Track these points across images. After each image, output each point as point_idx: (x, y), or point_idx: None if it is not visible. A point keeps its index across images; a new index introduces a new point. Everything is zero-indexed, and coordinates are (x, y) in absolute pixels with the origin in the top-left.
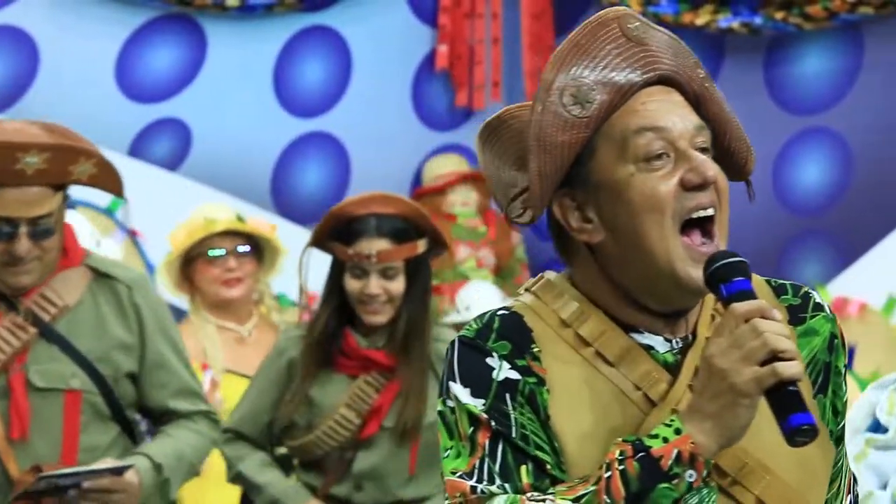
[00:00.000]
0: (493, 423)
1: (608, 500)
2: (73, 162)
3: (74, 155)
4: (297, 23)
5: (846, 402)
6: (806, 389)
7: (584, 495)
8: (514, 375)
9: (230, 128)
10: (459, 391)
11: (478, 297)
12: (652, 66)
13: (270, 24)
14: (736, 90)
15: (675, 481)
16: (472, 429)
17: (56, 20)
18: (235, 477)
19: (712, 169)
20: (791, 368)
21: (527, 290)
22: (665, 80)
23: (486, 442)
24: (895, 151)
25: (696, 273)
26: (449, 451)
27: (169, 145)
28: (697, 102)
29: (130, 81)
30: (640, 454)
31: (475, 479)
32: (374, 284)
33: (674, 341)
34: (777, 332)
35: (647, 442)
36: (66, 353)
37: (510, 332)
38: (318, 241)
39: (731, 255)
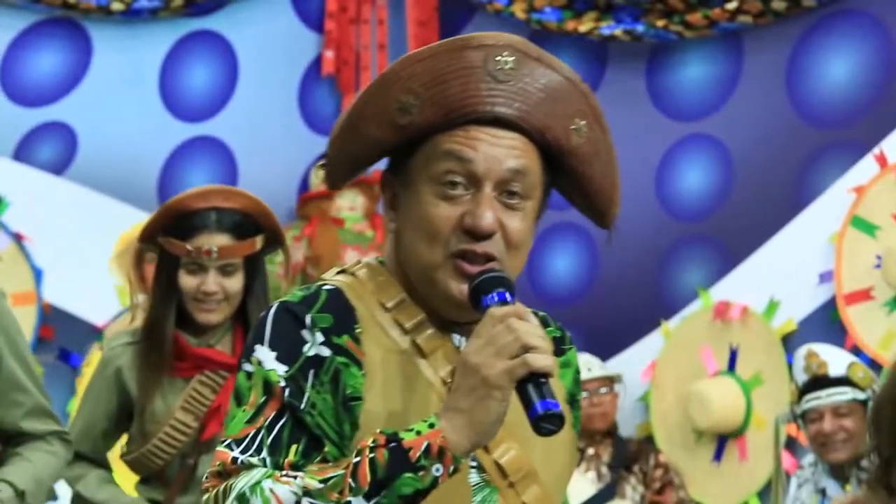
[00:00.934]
0: (285, 395)
1: (353, 485)
2: None
3: None
4: (182, 27)
5: (577, 433)
6: (568, 420)
7: (331, 477)
8: (325, 352)
9: (116, 132)
10: (265, 354)
11: None
12: (494, 105)
13: (156, 29)
14: (619, 97)
15: (420, 473)
16: (264, 398)
17: None
18: (74, 498)
19: (490, 221)
20: (542, 360)
21: (343, 271)
22: (504, 122)
23: (272, 414)
24: (774, 157)
25: (458, 287)
26: (233, 421)
27: (54, 149)
28: (550, 150)
29: (15, 84)
30: (392, 444)
31: (241, 449)
32: (212, 281)
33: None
34: (530, 331)
35: (402, 434)
36: None
37: (336, 306)
38: (150, 236)
39: (492, 270)
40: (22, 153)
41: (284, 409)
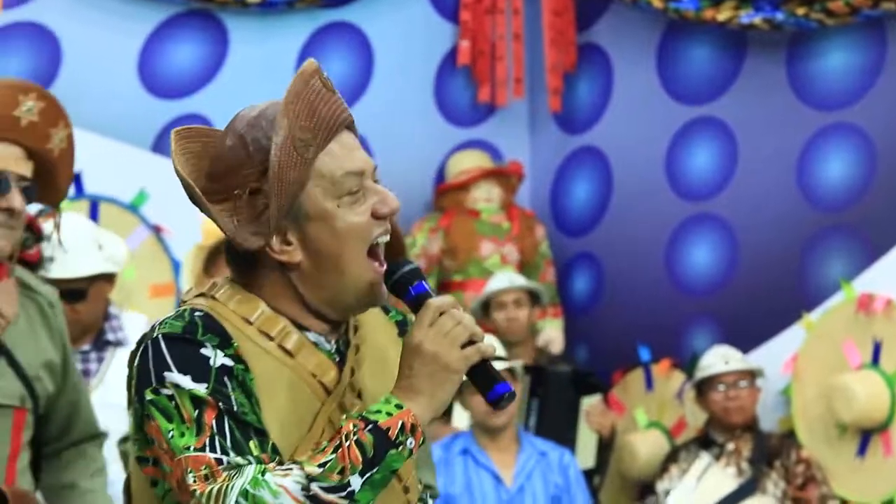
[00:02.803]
0: (219, 404)
1: (349, 465)
2: (55, 124)
3: (59, 115)
4: (318, 19)
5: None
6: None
7: (327, 461)
8: (228, 362)
9: None
10: (179, 379)
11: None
12: (345, 111)
13: (292, 21)
14: (758, 86)
15: (400, 448)
16: (196, 411)
17: (78, 16)
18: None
19: (395, 200)
20: (490, 348)
21: (198, 295)
22: (349, 126)
23: (213, 421)
24: None
25: (382, 290)
26: (172, 433)
27: None
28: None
29: (153, 77)
30: (371, 426)
31: (214, 452)
32: None
33: (332, 342)
34: (469, 321)
35: (373, 417)
36: (11, 367)
37: (212, 327)
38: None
39: (405, 263)
40: (161, 145)
41: (222, 414)
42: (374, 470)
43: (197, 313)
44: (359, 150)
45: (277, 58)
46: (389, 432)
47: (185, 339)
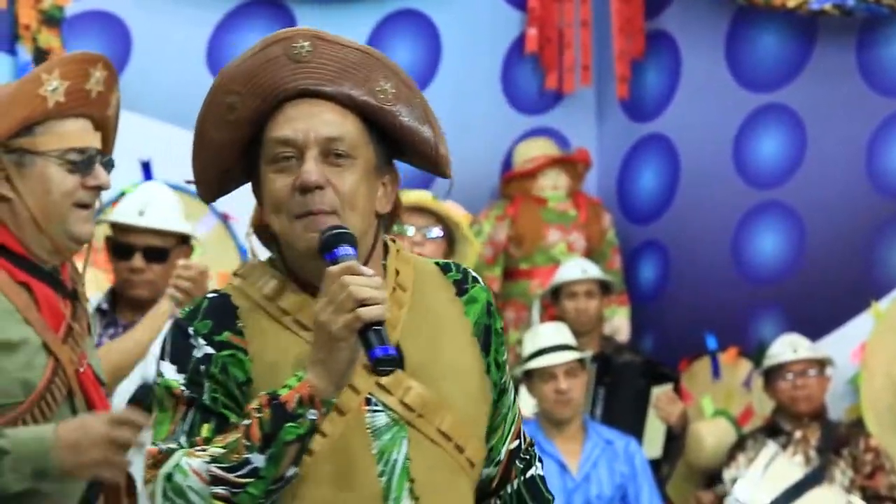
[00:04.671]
0: (186, 394)
1: (247, 443)
2: (113, 90)
3: (115, 79)
4: (386, 6)
5: (506, 359)
6: (475, 350)
7: (230, 441)
8: (210, 351)
9: None
10: (167, 369)
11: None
12: (297, 80)
13: (359, 8)
14: (828, 73)
15: (299, 420)
16: (173, 401)
17: (148, 5)
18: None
19: (314, 175)
20: (372, 311)
21: (235, 274)
22: (313, 93)
23: (183, 410)
24: None
25: (306, 241)
26: (158, 425)
27: None
28: (364, 110)
29: (221, 65)
30: (273, 402)
31: (166, 443)
32: None
33: None
34: (362, 283)
35: (279, 391)
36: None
37: (214, 311)
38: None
39: (337, 227)
40: None
41: (189, 405)
42: (270, 447)
43: (210, 295)
44: (303, 118)
45: None
46: (287, 406)
47: (181, 327)
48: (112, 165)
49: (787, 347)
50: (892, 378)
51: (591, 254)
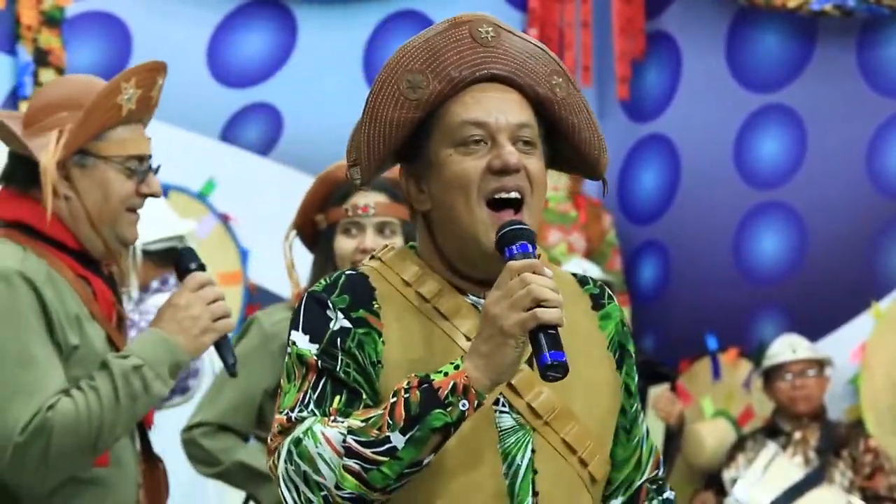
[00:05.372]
0: (319, 364)
1: (390, 422)
2: (155, 85)
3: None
4: (386, 7)
5: (637, 384)
6: (609, 366)
7: (371, 417)
8: (347, 325)
9: (321, 112)
10: (299, 338)
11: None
12: (488, 65)
13: (360, 9)
14: (829, 73)
15: (449, 408)
16: (304, 369)
17: (148, 5)
18: (228, 470)
19: (515, 156)
20: (550, 314)
21: (373, 257)
22: (502, 79)
23: (313, 379)
24: None
25: (490, 239)
26: (287, 395)
27: (260, 130)
28: (542, 104)
29: (222, 66)
30: (424, 385)
31: (295, 411)
32: (370, 240)
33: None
34: (543, 284)
35: (433, 376)
36: None
37: (352, 288)
38: (307, 214)
39: (519, 223)
40: (228, 134)
41: (322, 373)
42: (414, 429)
43: (349, 272)
44: (498, 103)
45: (346, 46)
46: (440, 392)
47: (318, 299)
48: (158, 172)
49: (787, 348)
50: (892, 378)
51: (592, 254)
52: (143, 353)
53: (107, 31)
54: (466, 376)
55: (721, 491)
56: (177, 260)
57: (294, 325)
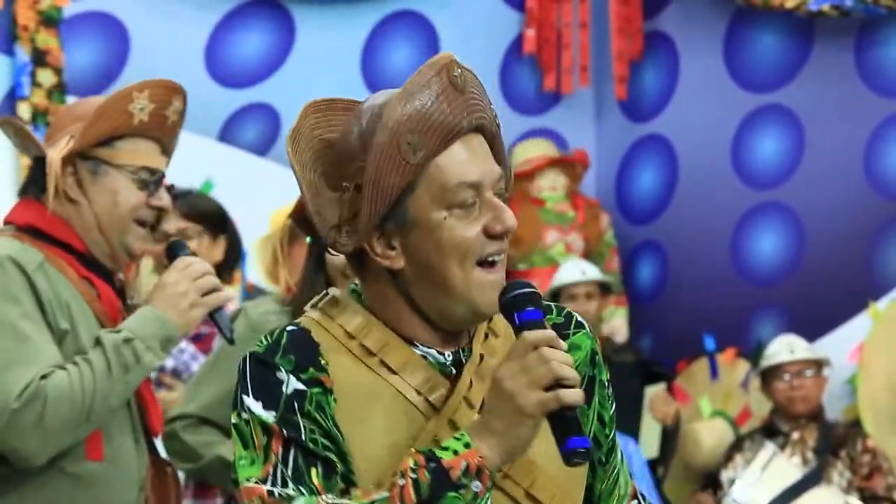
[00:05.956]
0: (284, 432)
1: None
2: (183, 122)
3: (184, 119)
4: (384, 8)
5: (613, 414)
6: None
7: (377, 500)
8: (301, 387)
9: None
10: (252, 404)
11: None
12: (473, 114)
13: (358, 9)
14: (826, 74)
15: (462, 491)
16: (266, 438)
17: (146, 5)
18: (208, 466)
19: (512, 218)
20: (573, 395)
21: (313, 306)
22: (479, 128)
23: (280, 450)
24: None
25: (494, 299)
26: (243, 461)
27: (258, 130)
28: (493, 146)
29: (220, 66)
30: (432, 464)
31: (270, 484)
32: None
33: (446, 354)
34: (562, 360)
35: (439, 453)
36: None
37: (296, 347)
38: (303, 212)
39: (524, 285)
40: (226, 134)
41: (289, 443)
42: None
43: (290, 329)
44: (483, 159)
45: (344, 46)
46: (451, 472)
47: (263, 361)
48: (173, 191)
49: (785, 348)
50: (889, 379)
51: (590, 254)
52: (134, 328)
53: (105, 32)
54: (480, 456)
55: (719, 491)
56: (168, 251)
57: (243, 389)
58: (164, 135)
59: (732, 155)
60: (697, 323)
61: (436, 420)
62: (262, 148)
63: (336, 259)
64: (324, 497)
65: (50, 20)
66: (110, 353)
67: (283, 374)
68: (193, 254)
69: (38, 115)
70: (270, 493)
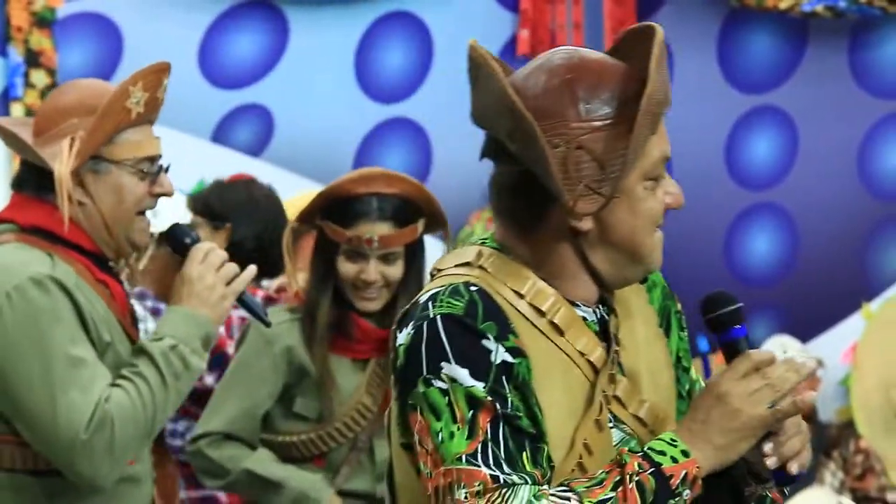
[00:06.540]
0: (497, 406)
1: None
2: (161, 85)
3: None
4: (378, 8)
5: (686, 336)
6: (662, 343)
7: (605, 500)
8: (509, 358)
9: (312, 114)
10: (457, 371)
11: None
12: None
13: (351, 10)
14: (820, 75)
15: (677, 498)
16: (471, 411)
17: (140, 6)
18: (236, 480)
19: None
20: (788, 406)
21: (462, 264)
22: None
23: (488, 426)
24: None
25: (661, 258)
26: (441, 433)
27: (251, 131)
28: None
29: (213, 67)
30: (653, 469)
31: (482, 463)
32: (373, 270)
33: (595, 311)
34: (779, 379)
35: (657, 458)
36: None
37: (491, 311)
38: (309, 219)
39: (730, 300)
40: (220, 135)
41: (498, 419)
42: None
43: (472, 289)
44: (666, 135)
45: (337, 47)
46: (671, 480)
47: (465, 324)
48: (168, 171)
49: (778, 349)
50: (882, 379)
51: None
52: (175, 332)
53: (98, 33)
54: (698, 467)
55: None
56: (169, 238)
57: (440, 355)
58: (155, 114)
59: (726, 156)
60: (691, 324)
61: (599, 380)
62: (256, 149)
63: (347, 271)
64: (548, 490)
65: (43, 21)
66: (160, 363)
67: (490, 343)
68: (196, 238)
69: (32, 116)
70: (495, 478)
